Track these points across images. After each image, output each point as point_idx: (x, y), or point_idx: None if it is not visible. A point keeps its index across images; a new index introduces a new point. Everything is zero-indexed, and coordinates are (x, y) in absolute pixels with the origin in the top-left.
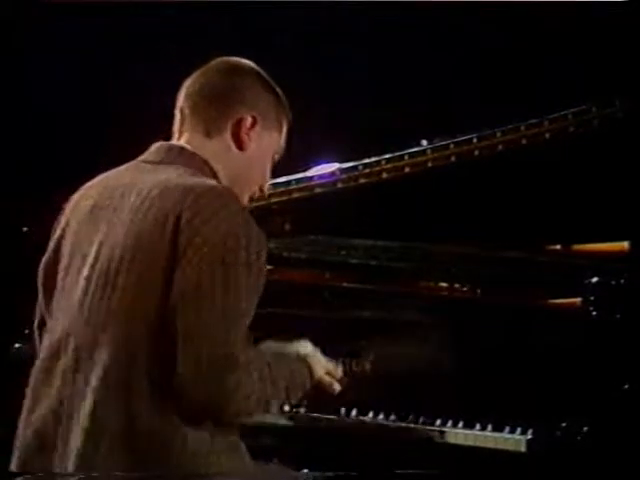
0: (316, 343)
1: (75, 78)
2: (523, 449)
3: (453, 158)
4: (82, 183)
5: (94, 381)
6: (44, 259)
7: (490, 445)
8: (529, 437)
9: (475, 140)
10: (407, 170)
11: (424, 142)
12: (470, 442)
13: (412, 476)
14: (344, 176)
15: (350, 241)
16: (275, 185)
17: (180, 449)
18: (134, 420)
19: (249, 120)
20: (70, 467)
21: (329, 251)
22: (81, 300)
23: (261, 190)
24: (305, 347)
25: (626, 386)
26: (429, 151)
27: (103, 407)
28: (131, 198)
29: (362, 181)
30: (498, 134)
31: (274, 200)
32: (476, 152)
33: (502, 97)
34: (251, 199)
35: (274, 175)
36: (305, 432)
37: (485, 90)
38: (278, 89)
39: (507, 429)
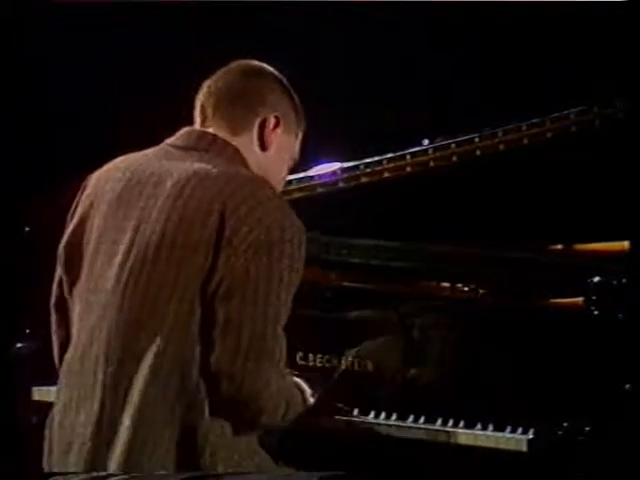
0: (318, 342)
1: (76, 77)
2: (524, 449)
3: (454, 158)
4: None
5: (129, 369)
6: (66, 238)
7: (491, 445)
8: (530, 437)
9: (476, 140)
10: (408, 170)
11: (425, 142)
12: (471, 442)
13: (412, 475)
14: (345, 175)
15: (351, 241)
16: None
17: (203, 444)
18: (170, 409)
19: (273, 120)
20: (113, 464)
21: (330, 251)
22: (114, 287)
23: None
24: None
25: (628, 386)
26: (430, 151)
27: (142, 396)
28: (167, 185)
29: (363, 181)
30: (499, 134)
31: None
32: (477, 152)
33: (503, 97)
34: None
35: None
36: (305, 431)
37: (486, 90)
38: (296, 96)
39: (508, 429)
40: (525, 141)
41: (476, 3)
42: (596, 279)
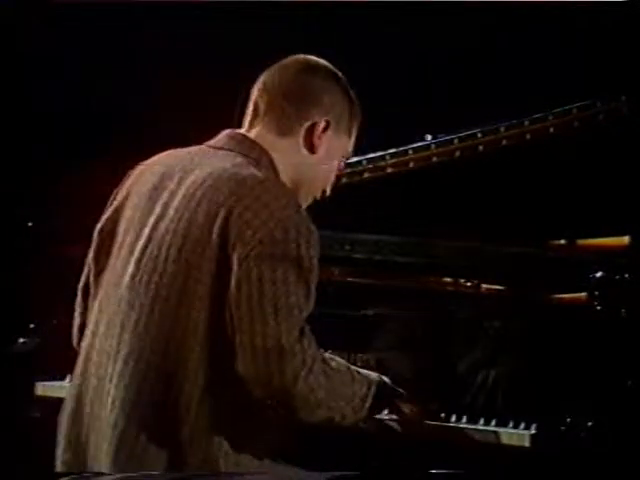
0: (320, 339)
1: (77, 76)
2: (527, 444)
3: (457, 153)
4: (83, 180)
5: (134, 369)
6: (100, 225)
7: (494, 440)
8: (533, 432)
9: (479, 135)
10: (411, 165)
11: (428, 137)
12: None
13: (415, 471)
14: (348, 171)
15: (355, 236)
16: None
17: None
18: (171, 407)
19: (322, 124)
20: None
21: (334, 246)
22: (129, 284)
23: (324, 193)
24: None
25: (630, 381)
26: (433, 146)
27: (141, 393)
28: (186, 184)
29: (366, 176)
30: (502, 129)
31: None
32: (480, 147)
33: (506, 92)
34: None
35: None
36: (307, 429)
37: (489, 85)
38: (353, 92)
39: (511, 424)
40: (528, 136)
41: (479, 2)
42: (599, 274)
